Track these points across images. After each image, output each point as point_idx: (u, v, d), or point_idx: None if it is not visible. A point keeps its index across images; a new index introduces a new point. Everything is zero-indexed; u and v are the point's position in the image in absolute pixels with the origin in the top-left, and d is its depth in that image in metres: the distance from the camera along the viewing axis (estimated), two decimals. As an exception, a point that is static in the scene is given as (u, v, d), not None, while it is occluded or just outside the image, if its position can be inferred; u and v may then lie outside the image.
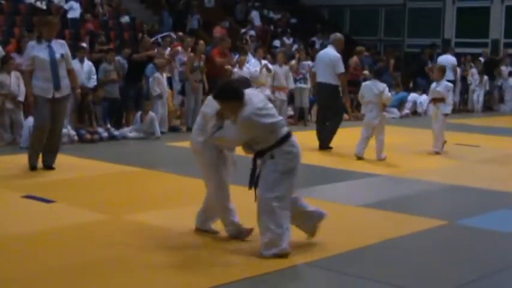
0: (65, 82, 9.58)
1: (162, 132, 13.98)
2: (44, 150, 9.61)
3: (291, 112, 17.31)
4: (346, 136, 12.88)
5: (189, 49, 15.77)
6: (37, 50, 9.41)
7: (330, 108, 12.70)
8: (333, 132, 12.64)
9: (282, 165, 5.89)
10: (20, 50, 12.79)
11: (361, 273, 5.60)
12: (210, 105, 6.16)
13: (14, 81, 12.11)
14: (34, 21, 16.59)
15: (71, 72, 9.79)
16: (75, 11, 22.20)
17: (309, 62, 17.77)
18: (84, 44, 15.49)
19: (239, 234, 6.34)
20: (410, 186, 9.47)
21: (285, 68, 16.49)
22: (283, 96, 16.42)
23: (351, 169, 10.59)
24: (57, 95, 9.44)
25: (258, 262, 5.76)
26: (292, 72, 16.80)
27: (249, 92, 6.01)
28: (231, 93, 5.93)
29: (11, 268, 5.50)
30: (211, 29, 22.41)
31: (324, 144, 12.55)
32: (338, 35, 13.22)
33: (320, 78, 12.73)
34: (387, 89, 11.62)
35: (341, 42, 12.84)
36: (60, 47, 9.60)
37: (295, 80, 16.78)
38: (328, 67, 12.44)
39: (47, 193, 8.04)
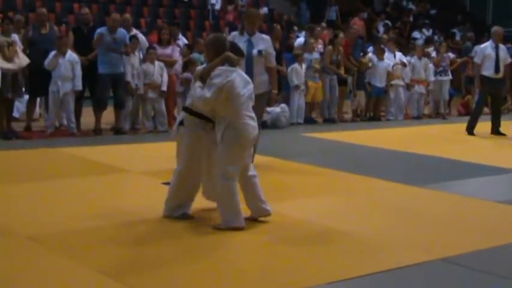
0: (259, 79, 8.74)
1: (298, 123, 14.09)
2: None
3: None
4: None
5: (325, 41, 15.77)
6: (236, 42, 8.58)
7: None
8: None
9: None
10: (161, 41, 13.13)
11: (497, 271, 5.42)
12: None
13: (157, 71, 12.49)
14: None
15: (269, 70, 9.04)
16: (217, 3, 22.69)
17: (450, 54, 17.36)
18: (224, 35, 15.72)
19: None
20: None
21: (424, 60, 16.20)
22: (422, 89, 16.21)
23: (494, 164, 10.25)
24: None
25: (388, 256, 5.72)
26: (434, 65, 16.47)
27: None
28: (219, 44, 6.41)
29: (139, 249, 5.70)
30: (349, 20, 22.28)
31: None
32: (494, 28, 13.87)
33: None
34: None
35: (497, 35, 13.55)
36: (262, 42, 9.00)
37: (436, 73, 16.44)
38: None
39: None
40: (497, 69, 13.33)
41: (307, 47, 14.70)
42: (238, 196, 6.26)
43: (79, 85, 11.70)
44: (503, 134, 13.39)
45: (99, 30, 12.00)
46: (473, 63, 14.35)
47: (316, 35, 15.78)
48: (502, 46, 13.63)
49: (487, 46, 13.56)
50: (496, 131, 13.48)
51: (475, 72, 16.84)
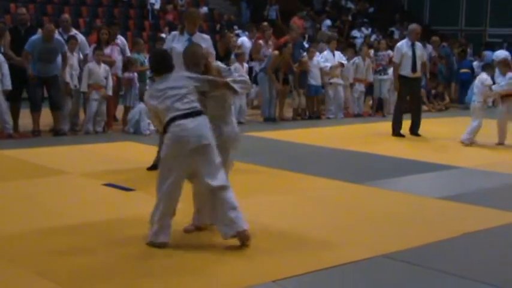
0: None
1: (240, 123, 14.11)
2: None
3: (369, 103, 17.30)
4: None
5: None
6: (176, 42, 8.74)
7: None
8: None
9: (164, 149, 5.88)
10: (100, 42, 12.95)
11: (437, 267, 5.52)
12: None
13: (102, 73, 12.21)
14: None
15: None
16: (156, 2, 22.56)
17: (389, 52, 17.57)
18: (163, 35, 15.66)
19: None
20: (492, 180, 9.27)
21: (368, 61, 16.39)
22: (362, 87, 16.41)
23: (431, 161, 10.43)
24: None
25: (330, 253, 5.78)
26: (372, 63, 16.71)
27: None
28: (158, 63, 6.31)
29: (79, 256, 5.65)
30: (290, 20, 22.38)
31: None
32: (411, 25, 13.62)
33: None
34: (487, 80, 12.14)
35: (414, 33, 13.20)
36: (203, 42, 8.67)
37: (375, 72, 16.65)
38: None
39: (127, 182, 8.16)
40: (414, 68, 12.95)
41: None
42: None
43: (8, 84, 11.45)
44: (419, 135, 13.10)
45: (33, 38, 11.72)
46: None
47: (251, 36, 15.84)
48: (418, 44, 13.26)
49: (402, 44, 13.20)
50: (414, 131, 13.15)
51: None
